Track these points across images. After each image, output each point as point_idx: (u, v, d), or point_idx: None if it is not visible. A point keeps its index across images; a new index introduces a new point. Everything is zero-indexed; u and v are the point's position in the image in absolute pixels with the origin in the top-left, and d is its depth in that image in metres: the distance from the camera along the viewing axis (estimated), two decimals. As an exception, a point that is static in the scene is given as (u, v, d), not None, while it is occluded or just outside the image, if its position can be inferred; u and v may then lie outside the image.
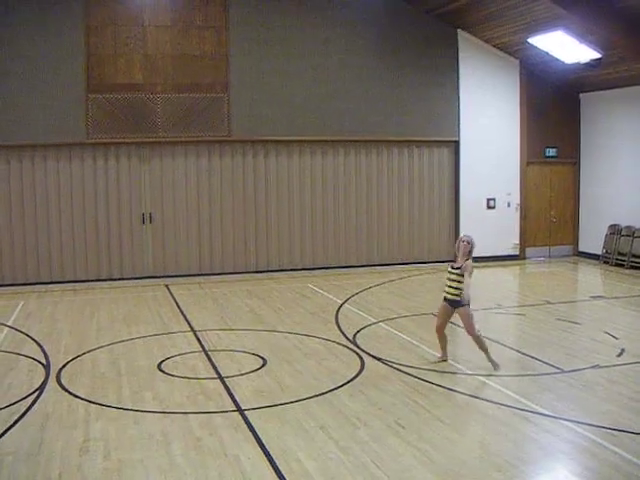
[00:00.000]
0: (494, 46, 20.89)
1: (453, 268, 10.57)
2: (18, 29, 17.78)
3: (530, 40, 19.33)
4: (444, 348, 10.88)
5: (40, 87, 17.94)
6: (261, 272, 19.77)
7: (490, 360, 10.43)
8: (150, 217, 19.06)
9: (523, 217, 21.82)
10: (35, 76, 17.90)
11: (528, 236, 22.05)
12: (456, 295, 10.41)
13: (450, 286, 10.51)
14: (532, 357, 11.14)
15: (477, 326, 10.58)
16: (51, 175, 18.40)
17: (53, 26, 18.00)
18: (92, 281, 18.65)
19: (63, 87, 18.09)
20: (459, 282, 10.37)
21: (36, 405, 9.17)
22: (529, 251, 22.09)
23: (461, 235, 11.09)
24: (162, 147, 19.04)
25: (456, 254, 10.70)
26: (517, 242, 21.87)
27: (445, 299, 10.62)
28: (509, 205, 21.65)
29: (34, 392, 9.67)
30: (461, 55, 20.83)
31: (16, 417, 8.67)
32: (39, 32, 17.90)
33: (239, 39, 19.16)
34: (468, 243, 10.49)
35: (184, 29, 18.90)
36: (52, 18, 17.98)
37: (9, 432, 8.19)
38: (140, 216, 19.02)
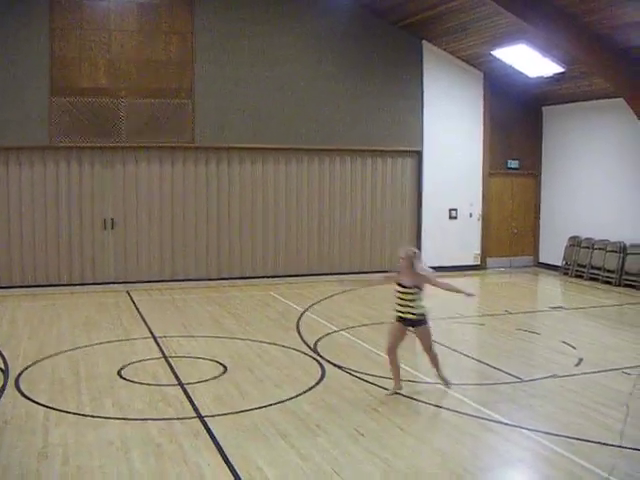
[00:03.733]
0: (458, 58, 21.07)
1: (404, 287, 9.73)
2: (-19, 31, 17.64)
3: (494, 53, 19.54)
4: (397, 376, 9.91)
5: (2, 89, 17.75)
6: (223, 279, 19.72)
7: (441, 377, 10.10)
8: (112, 222, 18.95)
9: (485, 228, 21.99)
10: (-2, 78, 17.76)
11: (489, 246, 22.23)
12: (414, 314, 9.68)
13: (406, 306, 9.70)
14: (492, 366, 11.23)
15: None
16: (13, 178, 18.21)
17: (17, 28, 17.82)
18: (52, 286, 18.48)
19: (26, 90, 17.92)
20: (414, 300, 9.67)
21: (-6, 410, 9.08)
22: (490, 261, 22.27)
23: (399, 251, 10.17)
24: (125, 152, 18.94)
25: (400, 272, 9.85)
26: (478, 252, 22.05)
27: (400, 319, 9.80)
28: (471, 215, 21.82)
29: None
30: (425, 66, 20.97)
31: (-27, 423, 8.58)
32: (2, 33, 17.73)
33: (205, 46, 19.14)
34: (403, 258, 9.78)
35: (150, 34, 18.83)
36: (16, 20, 17.80)
37: (-34, 438, 8.11)
38: (102, 221, 18.90)
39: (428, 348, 10.00)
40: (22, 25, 17.87)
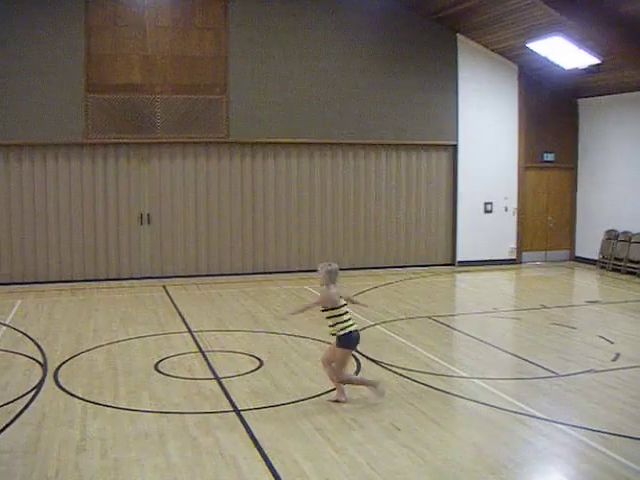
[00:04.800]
0: (493, 51, 20.94)
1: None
2: (18, 29, 17.82)
3: (529, 45, 19.39)
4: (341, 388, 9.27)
5: (39, 87, 17.97)
6: (258, 274, 19.80)
7: (375, 392, 9.22)
8: (148, 218, 19.09)
9: (520, 221, 21.85)
10: (35, 76, 17.93)
11: (525, 240, 22.09)
12: (332, 334, 9.20)
13: (329, 325, 9.21)
14: (527, 361, 11.16)
15: (348, 373, 9.63)
16: (50, 175, 18.43)
17: (53, 26, 18.04)
18: (89, 281, 18.67)
19: (62, 87, 18.12)
20: (329, 318, 9.17)
21: (33, 404, 9.19)
22: (526, 255, 22.12)
23: None
24: (160, 148, 19.07)
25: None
26: (514, 246, 21.90)
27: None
28: (506, 209, 21.68)
29: (31, 391, 9.69)
30: (460, 59, 20.87)
31: (13, 416, 8.69)
32: (39, 32, 17.94)
33: (239, 41, 19.20)
34: (318, 272, 9.35)
35: (184, 30, 18.93)
36: (52, 18, 18.02)
37: (6, 430, 8.22)
38: (138, 216, 19.05)
39: (333, 375, 9.25)
40: (58, 23, 18.06)
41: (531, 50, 19.61)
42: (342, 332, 9.07)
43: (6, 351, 11.84)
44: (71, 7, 18.13)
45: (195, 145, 19.27)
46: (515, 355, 11.67)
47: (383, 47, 20.21)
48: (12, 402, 9.20)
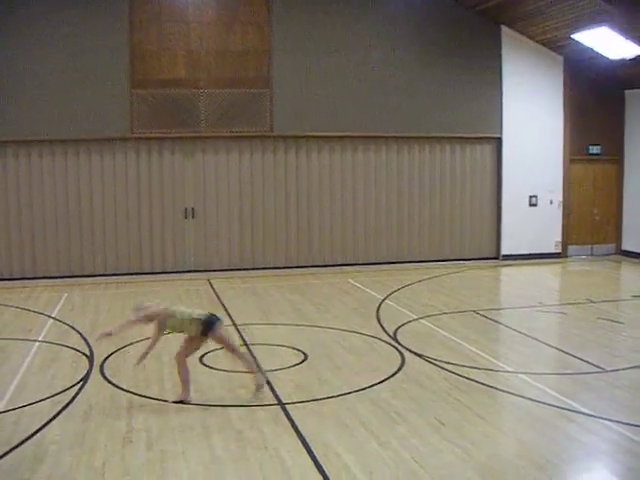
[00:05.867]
0: (538, 42, 20.73)
1: None
2: (63, 25, 18.02)
3: (574, 36, 19.16)
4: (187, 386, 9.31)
5: (85, 82, 18.15)
6: (302, 267, 19.84)
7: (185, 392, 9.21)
8: (192, 212, 19.21)
9: (566, 215, 21.64)
10: (80, 72, 18.12)
11: (570, 234, 21.86)
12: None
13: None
14: (573, 356, 11.05)
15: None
16: (95, 170, 18.63)
17: (98, 22, 18.22)
18: (134, 274, 18.84)
19: (107, 82, 18.29)
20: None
21: (80, 396, 9.31)
22: (571, 249, 21.91)
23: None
24: (205, 142, 19.18)
25: None
26: (559, 240, 21.70)
27: None
28: (551, 202, 21.47)
29: (78, 383, 9.82)
30: (504, 51, 20.69)
31: (60, 407, 8.82)
32: (84, 28, 18.13)
33: (282, 34, 19.23)
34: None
35: (227, 25, 19.00)
36: (97, 14, 18.20)
37: (53, 422, 8.34)
38: (183, 211, 19.18)
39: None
40: (102, 19, 18.25)
41: (576, 41, 19.37)
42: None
43: (53, 343, 12.00)
44: (115, 3, 18.29)
45: (239, 139, 19.34)
46: (561, 350, 11.56)
47: (426, 40, 20.10)
48: (59, 394, 9.33)
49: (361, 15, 19.69)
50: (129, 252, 18.95)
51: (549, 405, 8.78)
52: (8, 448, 7.55)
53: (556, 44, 20.44)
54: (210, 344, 9.70)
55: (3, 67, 17.81)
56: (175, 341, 11.80)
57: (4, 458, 7.32)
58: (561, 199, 21.55)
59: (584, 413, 8.49)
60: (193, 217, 19.25)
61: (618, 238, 22.42)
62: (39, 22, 17.94)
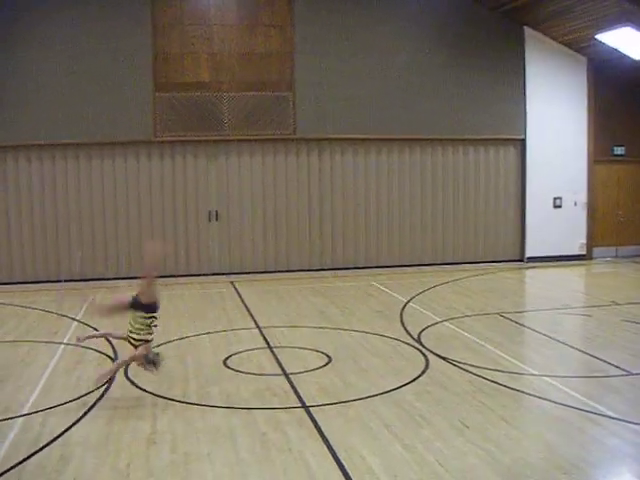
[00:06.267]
0: (561, 43, 20.63)
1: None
2: (86, 29, 18.16)
3: (598, 36, 19.08)
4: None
5: (108, 86, 18.28)
6: (326, 270, 19.85)
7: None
8: (216, 214, 19.27)
9: (590, 216, 21.51)
10: (103, 75, 18.24)
11: (595, 236, 21.73)
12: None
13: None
14: (598, 358, 10.96)
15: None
16: (119, 173, 18.75)
17: (121, 26, 18.35)
18: (158, 277, 18.85)
19: (131, 86, 18.40)
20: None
21: (104, 397, 9.36)
22: (596, 251, 21.77)
23: None
24: (228, 145, 19.24)
25: None
26: (584, 242, 21.57)
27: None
28: (576, 204, 21.36)
29: (103, 385, 9.85)
30: (527, 52, 20.61)
31: (85, 409, 8.87)
32: (107, 32, 18.25)
33: (305, 37, 19.26)
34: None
35: (250, 27, 19.06)
36: (120, 18, 18.33)
37: (78, 423, 8.39)
38: (206, 213, 19.25)
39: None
40: (125, 22, 18.39)
41: (600, 41, 19.29)
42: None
43: (78, 346, 12.04)
44: (138, 7, 18.43)
45: (262, 142, 19.38)
46: (586, 352, 11.48)
47: (450, 42, 20.07)
48: (84, 396, 9.39)
49: (384, 17, 19.68)
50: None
51: (574, 408, 8.72)
52: (34, 449, 7.60)
53: (580, 45, 20.34)
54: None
55: (29, 72, 17.95)
56: (199, 346, 11.88)
57: (30, 459, 7.37)
58: (585, 200, 21.43)
59: (609, 416, 8.43)
60: (217, 220, 19.31)
61: (644, 240, 22.27)
62: (64, 28, 18.09)
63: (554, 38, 20.53)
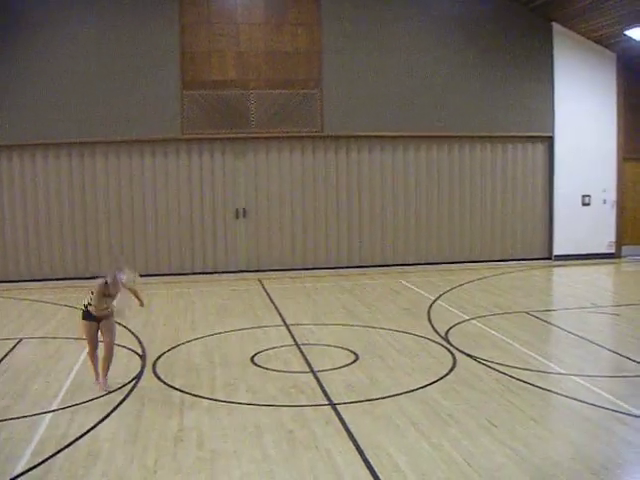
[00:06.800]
0: (590, 39, 20.46)
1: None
2: (115, 29, 18.31)
3: (627, 32, 18.91)
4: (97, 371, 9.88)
5: (136, 85, 18.39)
6: (353, 267, 19.84)
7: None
8: (244, 212, 19.31)
9: (619, 214, 21.33)
10: (132, 74, 18.36)
11: (624, 234, 21.54)
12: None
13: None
14: (628, 358, 10.87)
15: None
16: (147, 170, 18.86)
17: (149, 25, 18.47)
18: (186, 274, 19.01)
19: (159, 85, 18.50)
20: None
21: (133, 394, 9.43)
22: (625, 249, 21.57)
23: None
24: (255, 143, 19.27)
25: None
26: (613, 240, 21.40)
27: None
28: (605, 202, 21.19)
29: (131, 381, 9.93)
30: (556, 49, 20.46)
31: (113, 405, 8.93)
32: (136, 31, 18.37)
33: (332, 35, 19.25)
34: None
35: (277, 26, 19.08)
36: (148, 17, 18.45)
37: (107, 420, 8.45)
38: (234, 211, 19.30)
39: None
40: (153, 21, 18.50)
41: (629, 37, 19.12)
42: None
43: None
44: (166, 6, 18.52)
45: (290, 139, 19.41)
46: (614, 352, 11.39)
47: (477, 38, 19.98)
48: (112, 392, 9.46)
49: (411, 14, 19.63)
50: (181, 252, 19.14)
51: (602, 408, 8.65)
52: (63, 445, 7.67)
53: (609, 41, 20.17)
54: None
55: (58, 71, 18.08)
56: (226, 343, 11.91)
57: (59, 454, 7.43)
58: (615, 198, 21.26)
59: (638, 416, 8.36)
60: (244, 217, 19.35)
61: (674, 238, 22.05)
62: (92, 27, 18.23)
63: (583, 34, 20.37)
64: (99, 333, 9.78)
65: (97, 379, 9.73)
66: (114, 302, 9.80)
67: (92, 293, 9.59)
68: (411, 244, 20.29)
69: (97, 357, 9.84)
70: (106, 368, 9.74)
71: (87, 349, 9.94)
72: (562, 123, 20.68)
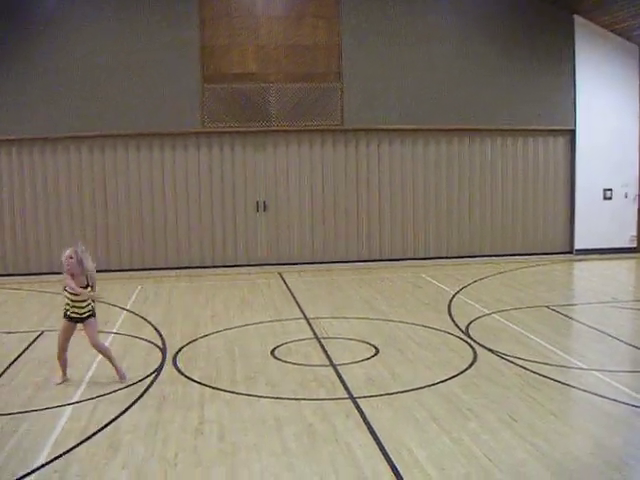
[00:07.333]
0: (612, 31, 20.29)
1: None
2: (135, 23, 18.32)
3: (650, 24, 18.80)
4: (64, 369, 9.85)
5: (157, 78, 18.42)
6: (374, 261, 19.82)
7: (117, 370, 9.75)
8: (264, 205, 19.33)
9: (641, 208, 21.21)
10: (153, 68, 18.39)
11: (646, 228, 21.41)
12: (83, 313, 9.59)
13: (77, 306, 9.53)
14: (650, 352, 10.86)
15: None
16: (167, 163, 18.89)
17: (169, 19, 18.47)
18: (206, 267, 19.05)
19: (179, 78, 18.51)
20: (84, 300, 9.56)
21: (153, 387, 9.47)
22: (647, 243, 21.47)
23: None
24: (276, 136, 19.27)
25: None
26: (635, 234, 21.26)
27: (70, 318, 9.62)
28: (626, 196, 21.05)
29: (151, 374, 9.98)
30: (577, 41, 20.31)
31: (134, 398, 8.98)
32: (156, 25, 18.39)
33: (352, 28, 19.20)
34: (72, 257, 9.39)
35: (297, 19, 19.05)
36: (168, 11, 18.45)
37: (127, 412, 8.50)
38: (254, 204, 19.31)
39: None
40: (173, 16, 18.49)
41: (652, 29, 19.00)
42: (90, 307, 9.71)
43: (127, 335, 12.21)
44: (185, 0, 18.51)
45: (310, 133, 19.39)
46: (636, 347, 11.33)
47: (498, 31, 19.86)
48: (133, 385, 9.50)
49: (431, 6, 19.54)
50: (201, 245, 19.17)
51: (624, 403, 8.61)
52: (84, 437, 7.72)
53: (632, 33, 19.98)
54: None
55: (80, 65, 18.14)
56: (247, 336, 11.94)
57: (79, 447, 7.47)
58: (637, 192, 21.11)
59: (661, 411, 8.33)
60: (265, 210, 19.37)
61: (697, 232, 21.88)
62: (113, 22, 18.27)
63: (605, 26, 20.20)
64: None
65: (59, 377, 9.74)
66: (90, 287, 9.57)
67: (65, 290, 9.49)
68: (431, 237, 20.23)
69: (66, 358, 9.79)
70: (113, 365, 9.76)
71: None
72: (584, 116, 20.53)
